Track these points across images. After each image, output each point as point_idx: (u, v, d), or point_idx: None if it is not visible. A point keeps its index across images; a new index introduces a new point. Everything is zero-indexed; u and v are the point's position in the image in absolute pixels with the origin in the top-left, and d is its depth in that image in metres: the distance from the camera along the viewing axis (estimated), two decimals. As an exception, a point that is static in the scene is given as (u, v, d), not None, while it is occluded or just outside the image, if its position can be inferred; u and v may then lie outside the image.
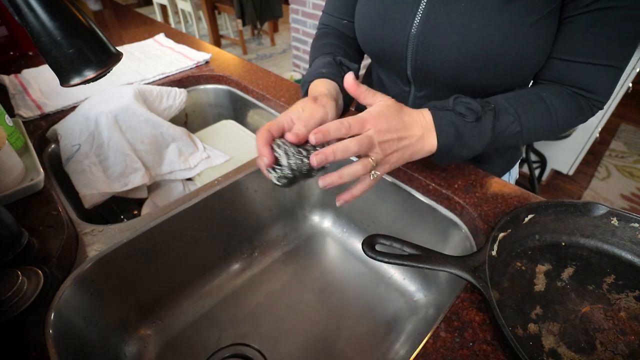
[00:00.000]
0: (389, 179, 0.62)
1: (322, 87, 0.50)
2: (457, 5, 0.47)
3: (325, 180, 0.38)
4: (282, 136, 0.41)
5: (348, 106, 0.55)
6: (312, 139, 0.37)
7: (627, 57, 0.47)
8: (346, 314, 0.62)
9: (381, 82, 0.67)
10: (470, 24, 0.47)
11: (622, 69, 0.48)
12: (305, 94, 0.54)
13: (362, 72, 0.78)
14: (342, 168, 0.38)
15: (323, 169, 0.40)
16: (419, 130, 0.43)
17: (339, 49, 0.59)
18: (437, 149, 0.45)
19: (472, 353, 0.36)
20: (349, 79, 0.39)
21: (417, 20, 0.50)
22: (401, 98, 0.63)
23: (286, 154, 0.39)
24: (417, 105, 0.61)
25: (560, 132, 0.52)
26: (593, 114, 0.52)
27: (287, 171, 0.39)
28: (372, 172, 0.40)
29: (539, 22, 0.45)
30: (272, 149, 0.40)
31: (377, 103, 0.42)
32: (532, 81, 0.56)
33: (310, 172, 0.40)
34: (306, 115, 0.42)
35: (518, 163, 0.73)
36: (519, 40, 0.46)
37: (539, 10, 0.45)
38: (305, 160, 0.39)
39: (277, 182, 0.40)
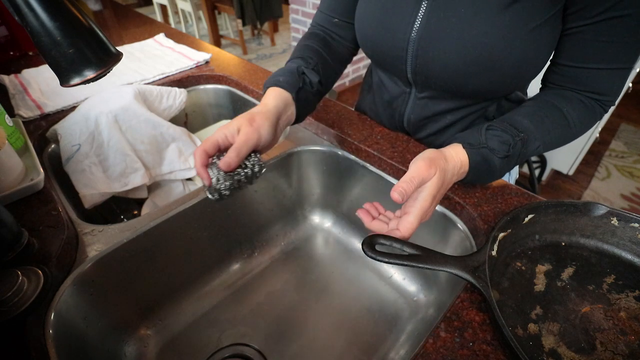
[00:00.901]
0: (390, 179, 0.62)
1: (271, 99, 0.51)
2: (457, 10, 0.47)
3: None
4: (220, 151, 0.46)
5: (304, 115, 0.57)
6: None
7: (636, 57, 0.47)
8: (346, 314, 0.62)
9: (382, 83, 0.66)
10: (469, 29, 0.47)
11: (631, 69, 0.49)
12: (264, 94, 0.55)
13: (362, 72, 0.77)
14: (403, 225, 0.41)
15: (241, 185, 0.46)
16: (455, 179, 0.46)
17: (315, 54, 0.59)
18: (466, 180, 0.49)
19: (472, 353, 0.36)
20: (395, 197, 0.39)
21: (417, 24, 0.51)
22: (402, 99, 0.63)
23: (217, 179, 0.44)
24: (418, 105, 0.61)
25: (573, 140, 0.55)
26: (606, 112, 0.53)
27: (215, 194, 0.44)
28: None
29: (538, 28, 0.45)
30: (208, 171, 0.44)
31: (427, 186, 0.41)
32: (542, 85, 0.56)
33: (235, 189, 0.45)
34: (240, 140, 0.44)
35: (518, 163, 0.73)
36: (519, 46, 0.46)
37: (539, 16, 0.45)
38: (234, 183, 0.44)
39: (210, 197, 0.45)
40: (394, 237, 0.40)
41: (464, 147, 0.46)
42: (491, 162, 0.47)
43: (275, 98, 0.51)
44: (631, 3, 0.42)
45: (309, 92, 0.56)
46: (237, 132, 0.45)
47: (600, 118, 0.53)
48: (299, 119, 0.56)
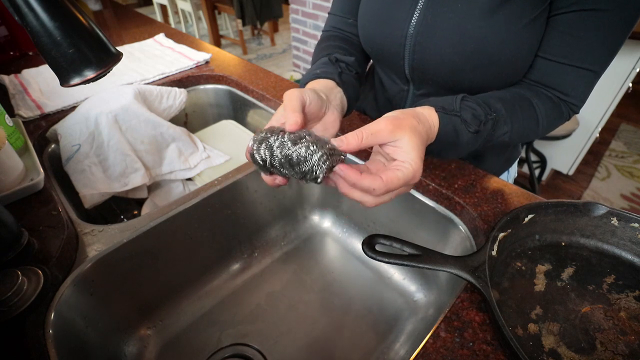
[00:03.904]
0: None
1: (312, 86, 0.47)
2: (453, 5, 0.47)
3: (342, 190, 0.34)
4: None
5: (354, 101, 0.52)
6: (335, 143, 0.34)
7: (605, 62, 0.47)
8: (346, 314, 0.62)
9: (381, 82, 0.67)
10: (465, 25, 0.47)
11: (599, 74, 0.48)
12: None
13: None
14: (387, 175, 0.33)
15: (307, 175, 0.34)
16: (428, 142, 0.41)
17: (339, 49, 0.59)
18: (429, 149, 0.43)
19: (472, 353, 0.36)
20: (340, 143, 0.34)
21: (414, 20, 0.51)
22: (400, 97, 0.63)
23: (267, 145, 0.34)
24: (416, 102, 0.61)
25: (539, 137, 0.53)
26: (569, 118, 0.53)
27: (259, 158, 0.35)
28: None
29: (532, 22, 0.45)
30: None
31: (409, 149, 0.35)
32: None
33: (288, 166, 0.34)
34: (287, 104, 0.37)
35: (517, 162, 0.73)
36: (514, 41, 0.46)
37: (532, 10, 0.45)
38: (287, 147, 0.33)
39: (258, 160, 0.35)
40: (369, 188, 0.33)
41: (436, 111, 0.42)
42: (460, 133, 0.43)
43: (313, 84, 0.48)
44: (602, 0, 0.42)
45: (351, 76, 0.53)
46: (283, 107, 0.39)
47: (566, 119, 0.52)
48: (350, 106, 0.51)
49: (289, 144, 0.33)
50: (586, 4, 0.43)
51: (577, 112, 0.52)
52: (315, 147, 0.33)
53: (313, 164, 0.33)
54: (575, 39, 0.45)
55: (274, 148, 0.34)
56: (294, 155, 0.33)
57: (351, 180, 0.33)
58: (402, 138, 0.35)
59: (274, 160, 0.34)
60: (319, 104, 0.42)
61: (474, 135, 0.44)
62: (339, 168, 0.34)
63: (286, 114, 0.36)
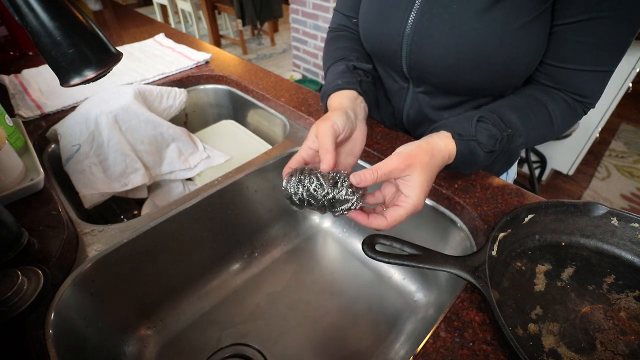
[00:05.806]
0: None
1: (336, 101, 0.50)
2: (449, 6, 0.48)
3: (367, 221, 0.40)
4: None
5: (373, 107, 0.56)
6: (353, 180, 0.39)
7: (618, 60, 0.47)
8: (346, 314, 0.62)
9: (380, 80, 0.67)
10: (460, 25, 0.47)
11: (612, 72, 0.49)
12: (326, 108, 0.55)
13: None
14: (391, 214, 0.39)
15: (333, 207, 0.40)
16: (441, 168, 0.45)
17: (351, 51, 0.60)
18: (446, 168, 0.48)
19: (472, 353, 0.36)
20: (352, 180, 0.38)
21: (410, 20, 0.51)
22: (400, 94, 0.63)
23: (300, 182, 0.40)
24: (415, 100, 0.61)
25: (555, 138, 0.54)
26: (585, 114, 0.54)
27: (296, 198, 0.40)
28: None
29: (528, 24, 0.46)
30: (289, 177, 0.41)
31: (416, 184, 0.39)
32: (528, 81, 0.56)
33: (323, 202, 0.39)
34: (320, 136, 0.41)
35: (516, 163, 0.73)
36: (509, 42, 0.46)
37: (528, 12, 0.45)
38: (319, 189, 0.39)
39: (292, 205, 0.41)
40: (378, 227, 0.39)
41: (453, 138, 0.45)
42: (476, 154, 0.46)
43: (339, 100, 0.51)
44: (609, 6, 0.42)
45: (369, 83, 0.55)
46: (316, 137, 0.43)
47: (580, 117, 0.54)
48: (369, 112, 0.55)
49: (327, 187, 0.39)
50: (591, 12, 0.43)
51: (593, 107, 0.53)
52: (352, 188, 0.39)
53: (353, 204, 0.39)
54: (585, 45, 0.46)
55: (312, 190, 0.39)
56: (336, 196, 0.38)
57: (362, 223, 0.40)
58: (411, 174, 0.39)
59: (314, 200, 0.39)
60: (350, 128, 0.45)
61: (491, 153, 0.47)
62: (350, 215, 0.40)
63: (321, 154, 0.41)
